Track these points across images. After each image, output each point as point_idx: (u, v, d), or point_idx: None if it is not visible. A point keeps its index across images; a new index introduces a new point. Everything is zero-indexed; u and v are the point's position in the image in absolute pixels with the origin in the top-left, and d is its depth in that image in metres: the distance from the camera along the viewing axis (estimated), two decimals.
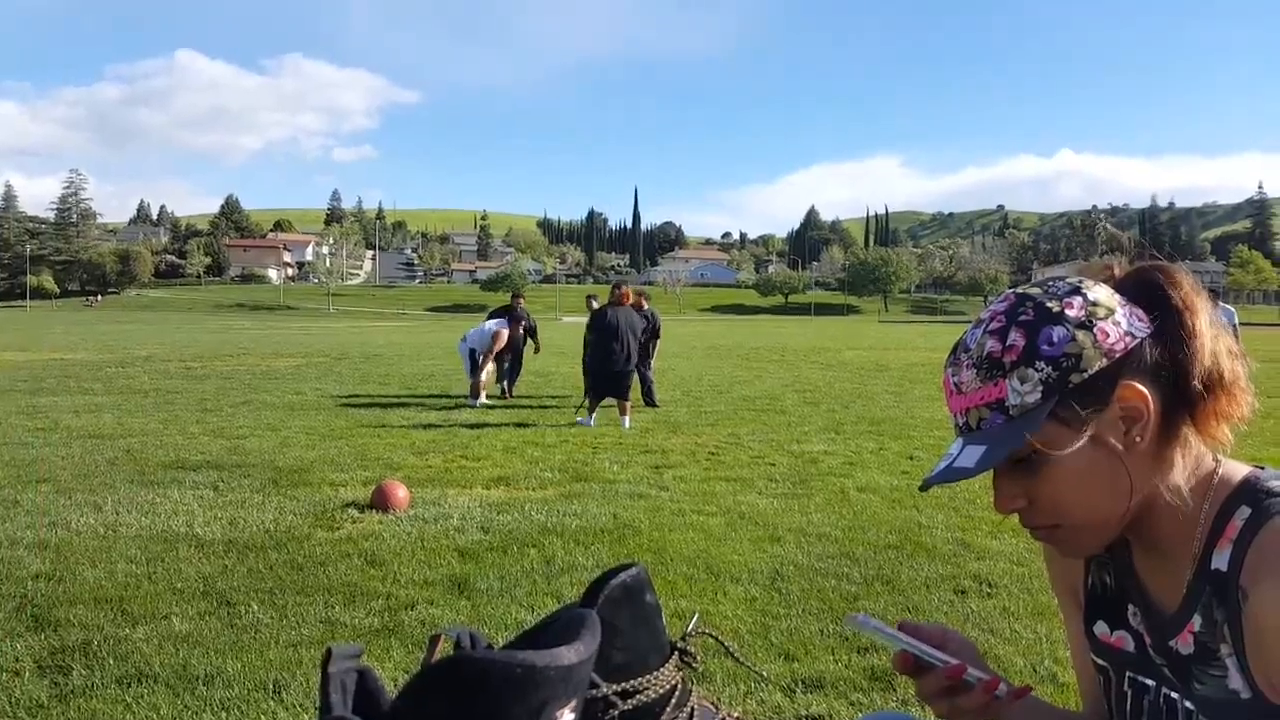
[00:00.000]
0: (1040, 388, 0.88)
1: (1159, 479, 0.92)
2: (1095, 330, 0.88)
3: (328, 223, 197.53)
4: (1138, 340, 0.89)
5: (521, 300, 14.34)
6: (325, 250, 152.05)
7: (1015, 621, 4.18)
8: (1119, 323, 0.89)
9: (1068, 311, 0.89)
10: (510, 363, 13.83)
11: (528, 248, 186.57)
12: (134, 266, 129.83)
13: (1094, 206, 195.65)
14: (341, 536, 5.60)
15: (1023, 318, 0.90)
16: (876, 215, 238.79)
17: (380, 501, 6.27)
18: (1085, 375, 0.87)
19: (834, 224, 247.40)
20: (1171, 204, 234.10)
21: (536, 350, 14.75)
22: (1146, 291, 0.93)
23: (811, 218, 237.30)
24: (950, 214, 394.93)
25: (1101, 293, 0.91)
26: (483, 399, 12.91)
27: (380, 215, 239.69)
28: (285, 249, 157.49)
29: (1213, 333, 0.91)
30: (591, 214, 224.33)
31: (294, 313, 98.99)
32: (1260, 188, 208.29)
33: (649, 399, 13.00)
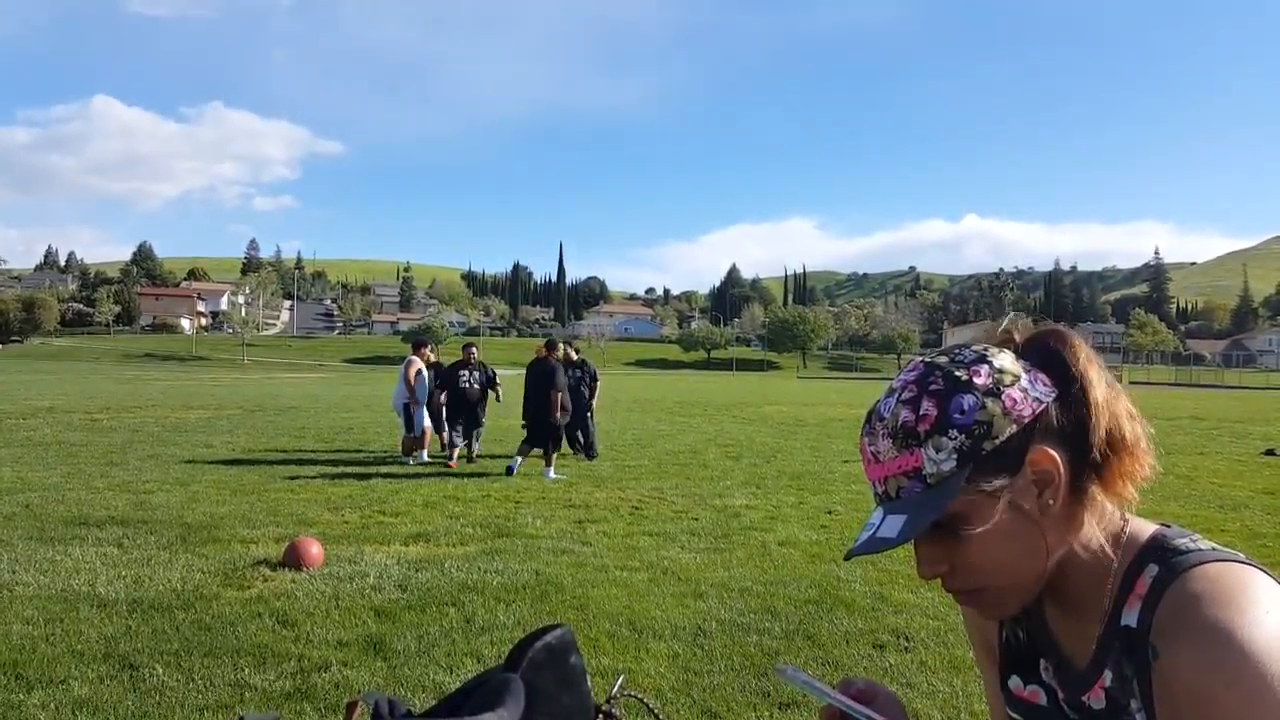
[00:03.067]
0: (955, 455, 0.88)
1: (1071, 538, 0.94)
2: (1003, 397, 0.89)
3: (244, 272, 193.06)
4: (1043, 405, 0.90)
5: (474, 350, 12.98)
6: (240, 299, 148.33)
7: (932, 675, 4.24)
8: (1025, 389, 0.90)
9: (975, 379, 0.90)
10: (465, 421, 12.48)
11: (451, 299, 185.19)
12: (39, 314, 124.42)
13: (1000, 269, 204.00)
14: (252, 596, 5.40)
15: (933, 387, 0.91)
16: (795, 274, 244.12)
17: (293, 559, 6.07)
18: (997, 442, 0.88)
19: (754, 282, 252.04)
20: (1074, 268, 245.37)
21: (498, 399, 13.32)
22: (1046, 357, 0.95)
23: (733, 275, 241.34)
24: (864, 274, 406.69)
25: (1006, 360, 0.93)
26: (421, 456, 12.51)
27: (299, 265, 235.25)
28: (199, 298, 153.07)
29: (1110, 395, 0.94)
30: (516, 267, 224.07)
31: (207, 363, 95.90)
32: (1157, 253, 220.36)
33: (589, 451, 12.96)
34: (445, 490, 9.70)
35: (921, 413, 0.90)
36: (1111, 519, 0.96)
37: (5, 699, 3.76)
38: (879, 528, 0.91)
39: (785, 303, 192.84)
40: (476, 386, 12.65)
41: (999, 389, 0.90)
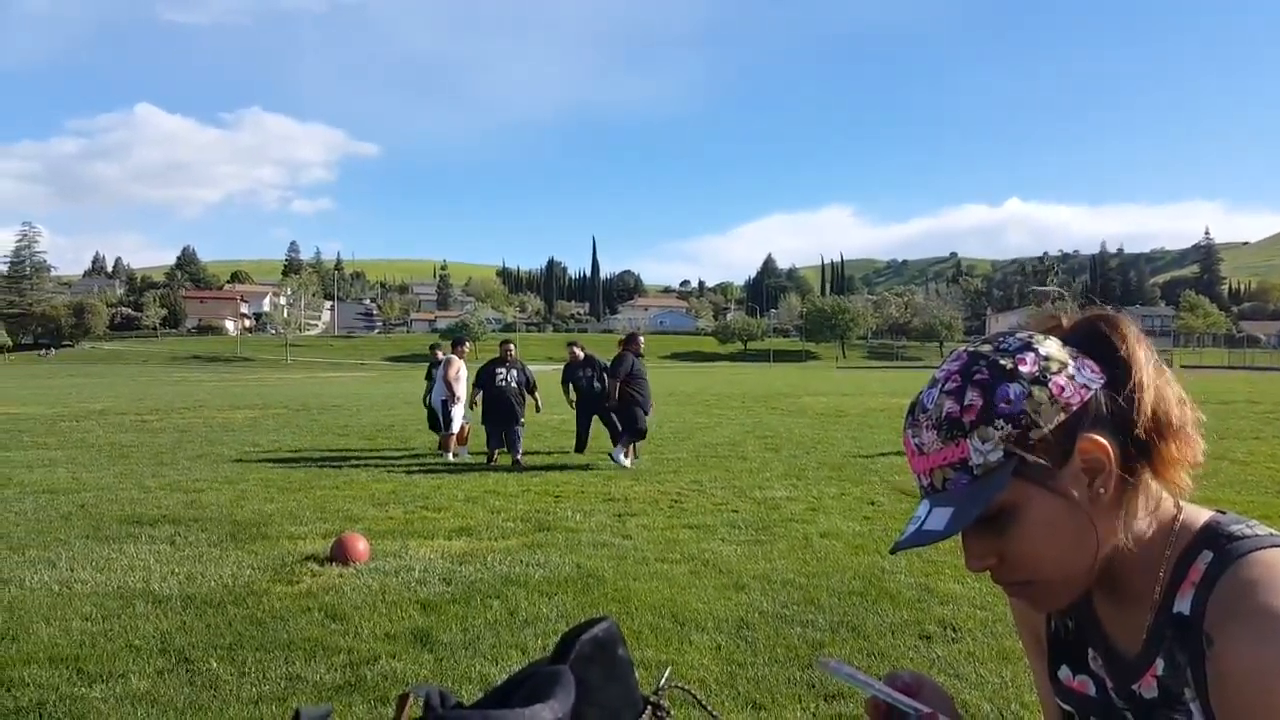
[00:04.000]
0: (1001, 446, 0.88)
1: (1123, 527, 0.92)
2: (1050, 385, 0.88)
3: (285, 274, 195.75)
4: (1091, 392, 0.89)
5: (512, 347, 12.55)
6: (282, 301, 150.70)
7: (980, 666, 4.21)
8: (1072, 376, 0.89)
9: (1021, 368, 0.89)
10: (503, 420, 11.81)
11: (487, 297, 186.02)
12: (89, 319, 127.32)
13: (1045, 253, 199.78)
14: (301, 591, 5.49)
15: (977, 376, 0.90)
16: (832, 263, 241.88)
17: (340, 554, 6.17)
18: (1044, 431, 0.88)
19: (790, 272, 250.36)
20: (1121, 250, 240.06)
21: (538, 409, 12.99)
22: (1093, 342, 0.93)
23: (768, 266, 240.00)
24: (904, 261, 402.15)
25: (1052, 346, 0.91)
26: (462, 452, 12.62)
27: (339, 266, 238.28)
28: (242, 300, 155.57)
29: (1159, 380, 0.92)
30: (551, 263, 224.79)
31: (251, 364, 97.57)
32: (1207, 233, 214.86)
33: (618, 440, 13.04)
34: (486, 485, 9.79)
35: (966, 403, 0.89)
36: (1164, 506, 0.94)
37: (68, 692, 3.87)
38: (925, 520, 0.91)
39: (823, 292, 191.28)
40: (515, 385, 12.07)
41: (1045, 376, 0.89)
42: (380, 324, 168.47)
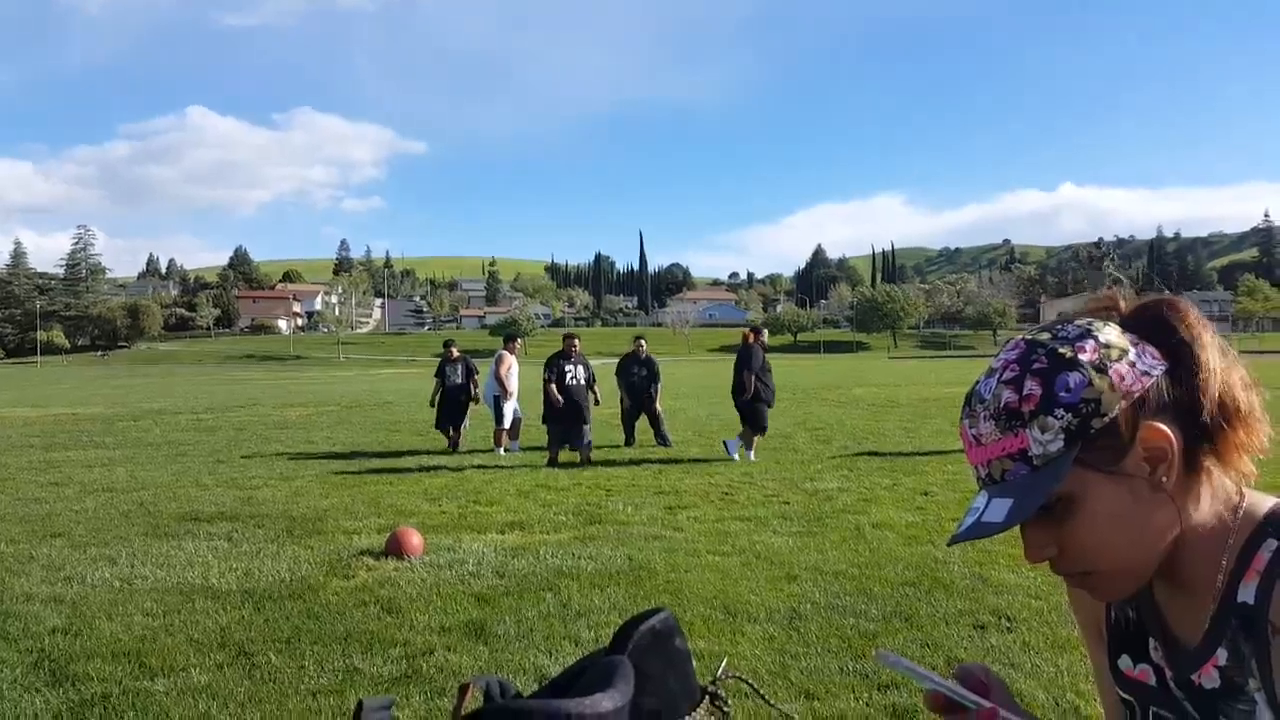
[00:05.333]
0: (1062, 435, 0.87)
1: (1186, 516, 0.91)
2: (1111, 373, 0.88)
3: (336, 272, 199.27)
4: (1153, 379, 0.88)
5: (577, 341, 12.05)
6: (334, 299, 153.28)
7: (1036, 656, 4.15)
8: (1133, 363, 0.89)
9: (1081, 356, 0.89)
10: (569, 420, 11.35)
11: (536, 292, 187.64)
12: (143, 320, 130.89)
13: (1100, 239, 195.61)
14: (357, 585, 5.60)
15: (1036, 365, 0.89)
16: (883, 252, 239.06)
17: (395, 549, 6.27)
18: (1106, 419, 0.87)
19: (840, 262, 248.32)
20: (1177, 234, 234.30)
21: (597, 402, 12.35)
22: (1155, 327, 0.92)
23: (818, 256, 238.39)
24: (956, 249, 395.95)
25: (1112, 333, 0.91)
26: (514, 447, 12.78)
27: (388, 264, 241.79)
28: (294, 299, 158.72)
29: (1224, 364, 0.91)
30: (598, 257, 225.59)
31: (304, 362, 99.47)
32: (1266, 216, 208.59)
33: (661, 440, 13.13)
34: (537, 479, 9.88)
35: (1025, 393, 0.88)
36: (1227, 494, 0.93)
37: (133, 686, 3.99)
38: (984, 512, 0.90)
39: (873, 282, 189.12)
40: (582, 382, 11.56)
41: (1106, 364, 0.88)
42: (430, 320, 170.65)
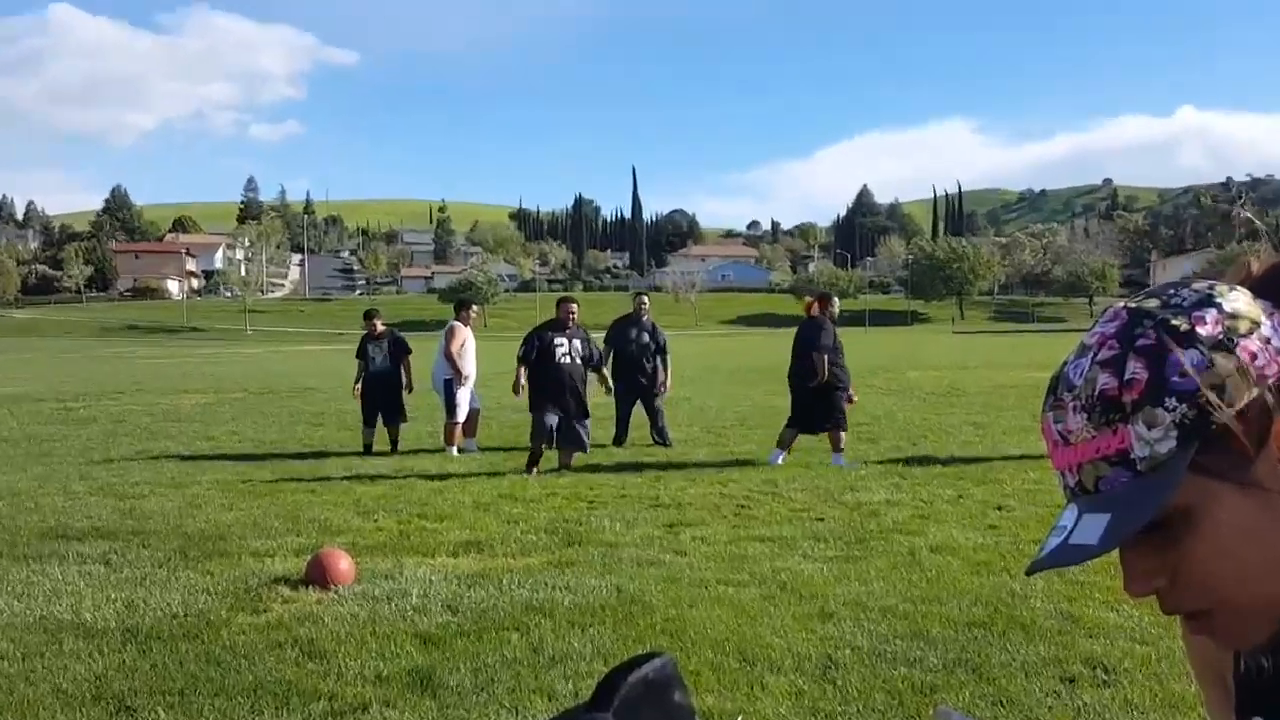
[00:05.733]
0: (1175, 432, 0.85)
1: None
2: (1238, 351, 0.86)
3: (242, 220, 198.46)
4: None
5: (575, 308, 11.40)
6: (239, 255, 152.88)
7: (1141, 717, 4.18)
8: (1268, 338, 0.87)
9: (1200, 329, 0.87)
10: (563, 411, 10.84)
11: (498, 246, 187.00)
12: None
13: (1228, 179, 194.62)
14: (270, 621, 5.62)
15: (1142, 342, 0.88)
16: (947, 195, 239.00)
17: (318, 575, 6.29)
18: (1231, 411, 0.85)
19: (892, 208, 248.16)
20: None
21: (607, 390, 12.33)
22: None
23: (863, 201, 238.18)
24: (1042, 191, 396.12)
25: (1240, 301, 0.89)
26: (470, 446, 12.84)
27: (309, 209, 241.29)
28: (188, 254, 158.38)
29: None
30: (579, 202, 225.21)
31: (201, 336, 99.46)
32: None
33: (659, 436, 13.12)
34: (500, 488, 9.91)
35: (1128, 377, 0.87)
36: None
37: None
38: (1072, 531, 0.89)
39: (935, 233, 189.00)
40: (579, 360, 11.08)
41: (1232, 340, 0.86)
42: (363, 282, 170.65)
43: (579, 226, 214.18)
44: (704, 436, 13.94)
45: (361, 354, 13.47)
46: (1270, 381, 0.86)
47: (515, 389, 11.21)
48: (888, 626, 5.40)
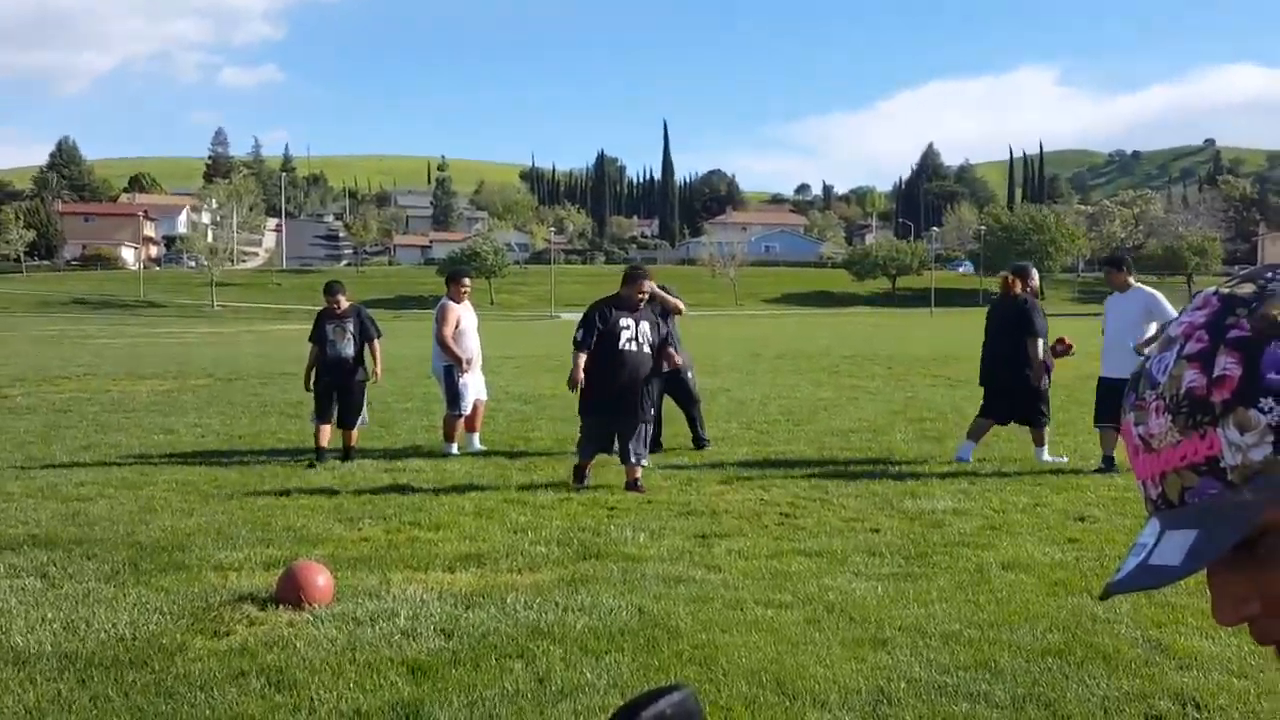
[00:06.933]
0: (1270, 437, 0.85)
1: None
2: None
3: (210, 178, 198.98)
4: None
5: (647, 280, 10.73)
6: (206, 219, 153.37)
7: None
8: None
9: None
10: (625, 410, 10.14)
11: (507, 211, 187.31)
12: None
13: None
14: (233, 646, 5.64)
15: (1234, 334, 0.88)
16: (1025, 156, 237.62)
17: (291, 593, 6.31)
18: None
19: (962, 170, 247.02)
20: None
21: (686, 375, 11.87)
22: None
23: (929, 161, 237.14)
24: (1135, 153, 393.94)
25: None
26: (472, 443, 12.82)
27: (288, 166, 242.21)
28: (146, 217, 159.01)
29: None
30: (602, 161, 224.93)
31: (161, 312, 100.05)
32: None
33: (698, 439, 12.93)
34: (507, 493, 9.94)
35: (1217, 374, 0.87)
36: None
37: None
38: (1153, 550, 0.89)
39: (1010, 201, 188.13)
40: (647, 348, 10.35)
41: None
42: (350, 252, 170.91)
43: (601, 189, 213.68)
44: (744, 434, 13.91)
45: (318, 336, 12.47)
46: None
47: (572, 383, 10.54)
48: (949, 656, 5.40)
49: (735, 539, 8.04)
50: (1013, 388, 11.52)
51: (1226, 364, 0.87)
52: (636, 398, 10.16)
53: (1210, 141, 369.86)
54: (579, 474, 10.29)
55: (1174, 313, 10.45)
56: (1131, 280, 11.22)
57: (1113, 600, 6.17)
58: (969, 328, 54.57)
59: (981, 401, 11.87)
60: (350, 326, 12.38)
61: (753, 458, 11.97)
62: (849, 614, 6.12)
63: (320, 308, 12.86)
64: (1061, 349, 11.85)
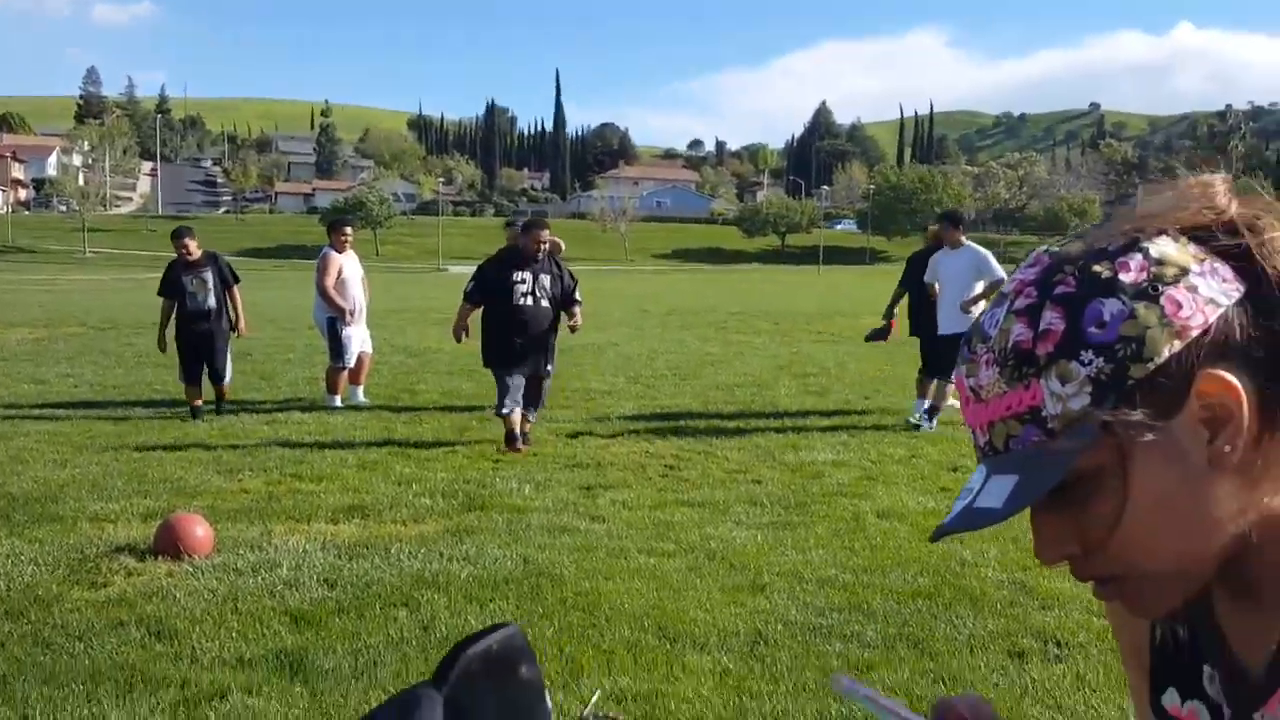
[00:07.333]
0: (1089, 388, 0.89)
1: (1256, 501, 0.94)
2: (1162, 300, 0.89)
3: (81, 119, 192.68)
4: (1221, 310, 0.90)
5: (546, 234, 10.17)
6: (76, 161, 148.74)
7: (1092, 695, 4.40)
8: (1194, 287, 0.90)
9: (1122, 276, 0.90)
10: (527, 364, 9.98)
11: (394, 160, 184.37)
12: None
13: (1228, 106, 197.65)
14: (111, 597, 5.61)
15: (1060, 290, 0.91)
16: (916, 116, 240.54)
17: (169, 544, 6.27)
18: (1150, 366, 0.89)
19: (854, 129, 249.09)
20: None
21: (573, 328, 10.84)
22: (1233, 238, 0.93)
23: (821, 119, 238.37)
24: (1021, 115, 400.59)
25: (1168, 246, 0.92)
26: (356, 395, 12.69)
27: (164, 108, 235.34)
28: (14, 159, 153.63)
29: None
30: (492, 110, 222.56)
31: (30, 257, 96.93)
32: None
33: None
34: (391, 446, 9.93)
35: (1043, 328, 0.91)
36: None
37: None
38: (979, 493, 0.93)
39: (901, 160, 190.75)
40: (546, 302, 10.14)
41: (1157, 288, 0.89)
42: (229, 198, 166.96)
43: (491, 139, 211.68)
44: (630, 388, 13.98)
45: (173, 289, 11.76)
46: (1194, 334, 0.89)
47: (456, 333, 10.57)
48: (824, 599, 5.57)
49: (620, 490, 8.14)
50: (942, 349, 11.15)
51: (1051, 319, 0.91)
52: (538, 352, 10.02)
53: (1095, 105, 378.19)
54: (510, 438, 9.78)
55: (1001, 271, 10.72)
56: (963, 239, 11.39)
57: (980, 545, 6.42)
58: (855, 285, 55.26)
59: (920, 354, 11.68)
60: (209, 276, 11.73)
61: (639, 411, 12.06)
62: (729, 561, 6.26)
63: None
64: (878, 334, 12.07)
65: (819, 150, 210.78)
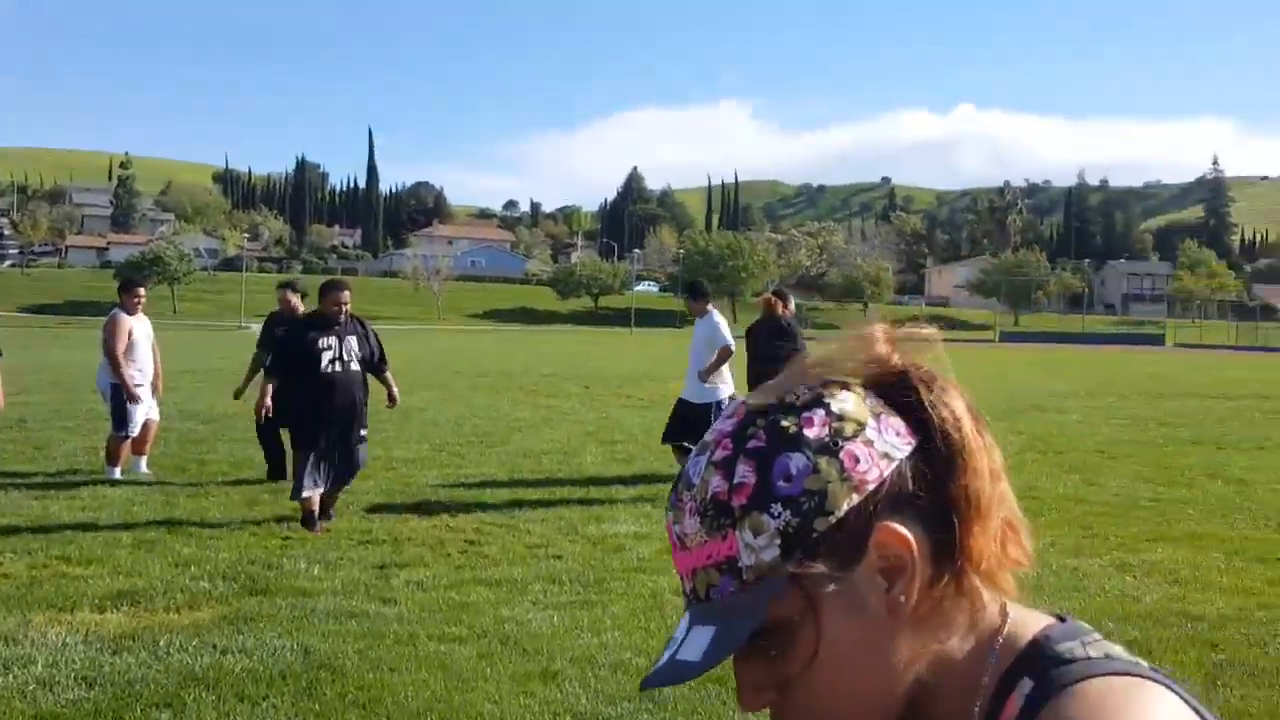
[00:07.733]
0: (779, 540, 0.93)
1: (933, 646, 0.99)
2: (841, 455, 0.95)
3: None
4: (895, 463, 0.96)
5: (346, 294, 9.70)
6: None
7: None
8: (870, 441, 0.96)
9: (807, 431, 0.95)
10: (338, 440, 9.48)
11: (197, 214, 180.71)
12: None
13: (1006, 183, 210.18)
14: None
15: (752, 444, 0.96)
16: (723, 184, 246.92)
17: None
18: (832, 519, 0.94)
19: (664, 195, 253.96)
20: (1104, 182, 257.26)
21: (392, 401, 10.51)
22: (899, 388, 1.00)
23: (634, 184, 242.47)
24: (821, 187, 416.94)
25: (849, 401, 0.98)
26: (138, 466, 12.10)
27: None
28: None
29: (983, 445, 1.00)
30: (303, 166, 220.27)
31: None
32: (1216, 164, 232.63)
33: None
34: (172, 522, 9.51)
35: (737, 480, 0.95)
36: (987, 617, 1.02)
37: None
38: (681, 644, 0.96)
39: (709, 226, 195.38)
40: (356, 366, 9.68)
41: (837, 443, 0.95)
42: (15, 251, 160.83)
43: (301, 195, 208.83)
44: (435, 456, 13.80)
45: None
46: (870, 488, 0.95)
47: (259, 411, 10.27)
48: (616, 686, 5.49)
49: (415, 569, 7.97)
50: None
51: (744, 472, 0.95)
52: (350, 420, 9.52)
53: (887, 179, 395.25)
54: (309, 519, 9.24)
55: (729, 337, 11.31)
56: (709, 307, 11.90)
57: None
58: (665, 347, 56.03)
59: None
60: None
61: (443, 480, 11.93)
62: (523, 646, 6.15)
63: None
64: None
65: (631, 214, 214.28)
